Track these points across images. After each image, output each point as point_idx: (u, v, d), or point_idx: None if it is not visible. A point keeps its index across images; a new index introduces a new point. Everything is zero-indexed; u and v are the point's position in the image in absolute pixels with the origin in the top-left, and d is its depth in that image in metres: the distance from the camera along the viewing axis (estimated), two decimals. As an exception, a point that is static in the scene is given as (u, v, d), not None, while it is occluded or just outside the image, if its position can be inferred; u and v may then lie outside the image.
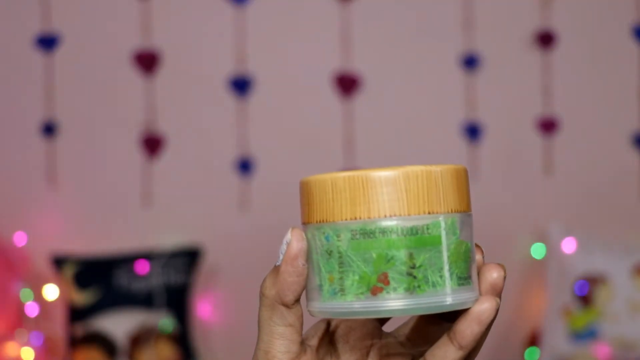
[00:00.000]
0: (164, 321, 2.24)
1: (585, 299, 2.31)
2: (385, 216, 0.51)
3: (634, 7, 2.48)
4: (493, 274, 0.53)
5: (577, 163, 2.49)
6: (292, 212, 2.47)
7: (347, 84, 2.43)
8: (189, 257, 2.31)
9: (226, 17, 2.40)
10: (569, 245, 2.37)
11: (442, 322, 0.56)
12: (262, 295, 0.55)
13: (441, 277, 0.50)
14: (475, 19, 2.44)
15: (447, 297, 0.50)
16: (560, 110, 2.48)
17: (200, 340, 2.38)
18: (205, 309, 2.43)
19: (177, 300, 2.28)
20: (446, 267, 0.50)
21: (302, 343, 0.56)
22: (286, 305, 0.55)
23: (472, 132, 2.46)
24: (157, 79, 2.40)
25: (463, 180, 0.52)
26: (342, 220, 0.51)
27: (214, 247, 2.39)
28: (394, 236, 0.50)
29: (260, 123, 2.42)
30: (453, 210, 0.51)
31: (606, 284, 2.30)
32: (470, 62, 2.45)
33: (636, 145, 2.50)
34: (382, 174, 0.52)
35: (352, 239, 0.51)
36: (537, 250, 2.45)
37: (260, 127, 2.43)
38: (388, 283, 0.50)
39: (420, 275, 0.50)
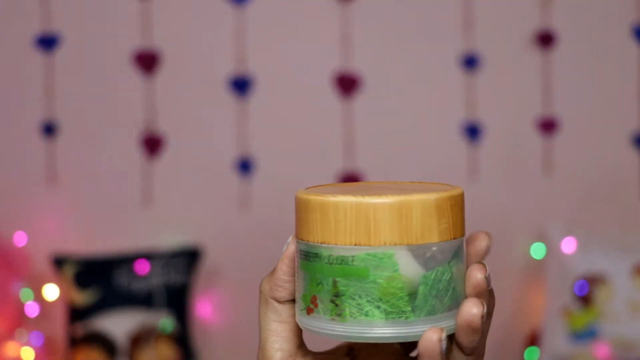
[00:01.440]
0: (164, 321, 2.24)
1: (585, 299, 2.30)
2: (317, 242, 0.52)
3: (634, 7, 2.48)
4: (477, 275, 0.53)
5: (577, 163, 2.49)
6: (292, 212, 2.47)
7: (347, 84, 2.42)
8: (189, 257, 2.31)
9: (226, 17, 2.40)
10: (568, 245, 2.37)
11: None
12: (259, 291, 0.57)
13: (361, 309, 0.51)
14: (475, 19, 2.44)
15: (370, 330, 0.51)
16: (560, 110, 2.48)
17: (200, 340, 2.37)
18: (205, 309, 2.43)
19: (177, 300, 2.27)
20: (370, 300, 0.51)
21: (302, 346, 0.57)
22: (278, 301, 0.56)
23: (472, 132, 2.46)
24: (157, 79, 2.40)
25: (414, 212, 0.51)
26: (299, 239, 0.54)
27: (214, 247, 2.39)
28: (324, 262, 0.52)
29: (260, 123, 2.42)
30: (387, 243, 0.51)
31: (606, 284, 2.30)
32: (470, 62, 2.44)
33: (636, 145, 2.50)
34: (317, 199, 0.52)
35: (300, 258, 0.54)
36: (537, 250, 2.45)
37: (260, 127, 2.43)
38: (317, 305, 0.52)
39: (342, 304, 0.51)
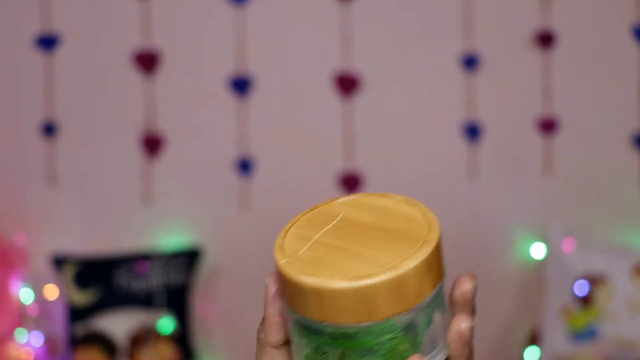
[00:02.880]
0: (164, 321, 2.23)
1: (585, 299, 2.30)
2: (317, 320, 0.52)
3: (634, 7, 2.48)
4: (465, 286, 0.54)
5: (577, 163, 2.48)
6: (291, 212, 2.46)
7: (347, 84, 2.42)
8: (189, 257, 2.31)
9: (226, 17, 2.39)
10: (568, 245, 2.36)
11: None
12: (257, 339, 0.57)
13: None
14: (475, 19, 2.44)
15: None
16: (560, 110, 2.47)
17: (200, 341, 2.37)
18: (205, 309, 2.42)
19: (177, 300, 2.27)
20: (377, 357, 0.53)
21: None
22: (274, 347, 0.56)
23: (472, 132, 2.45)
24: (157, 79, 2.39)
25: (409, 282, 0.52)
26: (292, 308, 0.54)
27: (214, 247, 2.38)
28: (327, 337, 0.53)
29: (260, 123, 2.42)
30: (388, 316, 0.52)
31: (606, 284, 2.30)
32: (470, 62, 2.44)
33: (636, 145, 2.49)
34: (311, 285, 0.52)
35: (297, 326, 0.54)
36: (537, 250, 2.44)
37: (260, 127, 2.42)
38: None
39: None
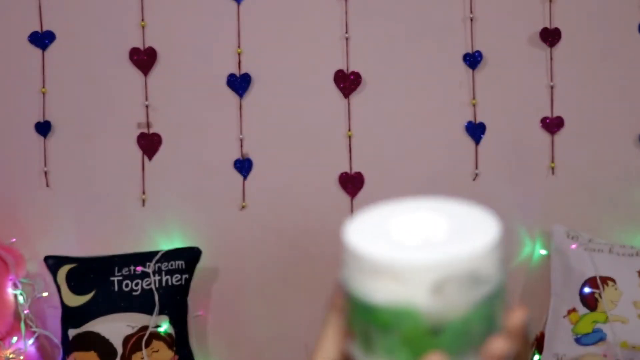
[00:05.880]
0: (162, 322, 2.22)
1: (590, 301, 2.29)
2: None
3: (640, 4, 2.46)
4: (516, 317, 0.56)
5: (583, 163, 2.47)
6: (291, 212, 2.46)
7: (347, 84, 2.41)
8: (188, 258, 2.29)
9: (225, 16, 2.38)
10: (573, 246, 2.35)
11: None
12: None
13: None
14: (479, 17, 2.42)
15: None
16: (565, 109, 2.46)
17: (198, 341, 2.36)
18: (203, 309, 2.41)
19: (176, 301, 2.25)
20: None
21: None
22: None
23: (476, 131, 2.44)
24: (154, 78, 2.38)
25: None
26: None
27: (213, 247, 2.37)
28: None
29: (259, 123, 2.41)
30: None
31: (612, 286, 2.29)
32: (473, 61, 2.42)
33: (642, 145, 2.48)
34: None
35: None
36: (542, 251, 2.43)
37: (260, 126, 2.41)
38: None
39: None
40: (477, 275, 0.52)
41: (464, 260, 0.52)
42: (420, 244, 0.54)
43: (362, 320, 0.54)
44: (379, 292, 0.52)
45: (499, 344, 0.53)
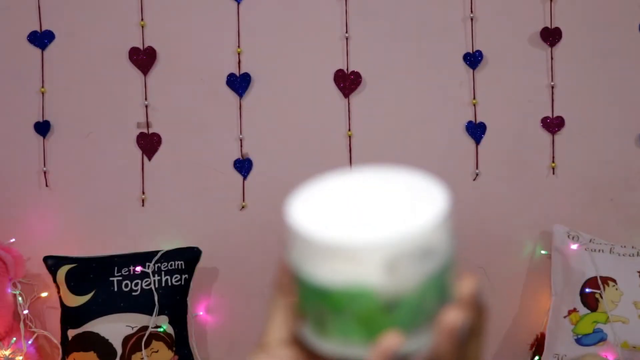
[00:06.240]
0: (162, 322, 2.21)
1: (591, 301, 2.29)
2: None
3: (640, 4, 2.46)
4: (464, 285, 0.55)
5: (582, 163, 2.47)
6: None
7: (347, 84, 2.40)
8: (187, 258, 2.29)
9: (225, 15, 2.38)
10: (574, 246, 2.35)
11: None
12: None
13: None
14: (479, 17, 2.42)
15: None
16: (565, 109, 2.46)
17: (197, 341, 2.36)
18: (203, 309, 2.41)
19: (176, 300, 2.25)
20: None
21: None
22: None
23: (476, 131, 2.44)
24: (154, 77, 2.38)
25: None
26: None
27: (213, 247, 2.37)
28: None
29: (259, 122, 2.41)
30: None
31: (612, 286, 2.29)
32: (474, 61, 2.42)
33: (642, 145, 2.48)
34: None
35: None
36: (542, 251, 2.43)
37: (259, 126, 2.41)
38: None
39: None
40: (428, 249, 0.52)
41: (415, 236, 0.51)
42: (370, 222, 0.52)
43: (314, 302, 0.52)
44: (331, 273, 0.51)
45: (451, 315, 0.52)
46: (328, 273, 0.51)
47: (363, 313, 0.51)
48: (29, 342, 2.26)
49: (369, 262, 0.51)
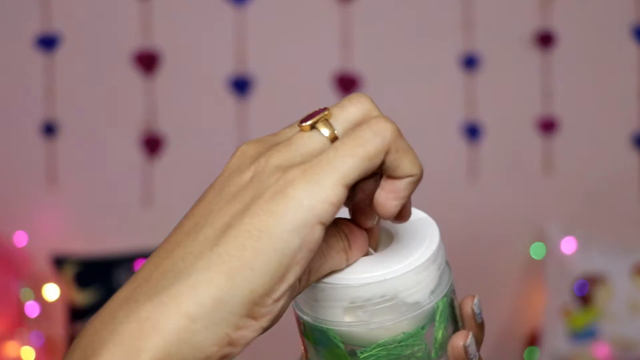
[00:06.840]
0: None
1: (584, 299, 2.30)
2: None
3: (634, 7, 2.48)
4: (466, 304, 0.54)
5: (577, 163, 2.48)
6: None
7: (347, 84, 2.42)
8: (189, 257, 2.30)
9: (226, 17, 2.39)
10: (568, 245, 2.36)
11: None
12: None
13: None
14: (475, 19, 2.44)
15: None
16: (560, 110, 2.47)
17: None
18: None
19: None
20: None
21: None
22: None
23: (472, 132, 2.45)
24: (157, 79, 2.39)
25: None
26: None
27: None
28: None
29: (260, 123, 2.41)
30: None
31: (606, 284, 2.30)
32: (470, 62, 2.44)
33: (636, 145, 2.49)
34: None
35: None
36: (537, 250, 2.44)
37: (260, 127, 2.42)
38: None
39: None
40: (398, 298, 0.49)
41: (380, 284, 0.48)
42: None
43: (305, 335, 0.52)
44: (305, 309, 0.51)
45: (458, 339, 0.52)
46: (303, 308, 0.51)
47: (333, 353, 0.50)
48: (35, 339, 2.27)
49: (332, 304, 0.49)
